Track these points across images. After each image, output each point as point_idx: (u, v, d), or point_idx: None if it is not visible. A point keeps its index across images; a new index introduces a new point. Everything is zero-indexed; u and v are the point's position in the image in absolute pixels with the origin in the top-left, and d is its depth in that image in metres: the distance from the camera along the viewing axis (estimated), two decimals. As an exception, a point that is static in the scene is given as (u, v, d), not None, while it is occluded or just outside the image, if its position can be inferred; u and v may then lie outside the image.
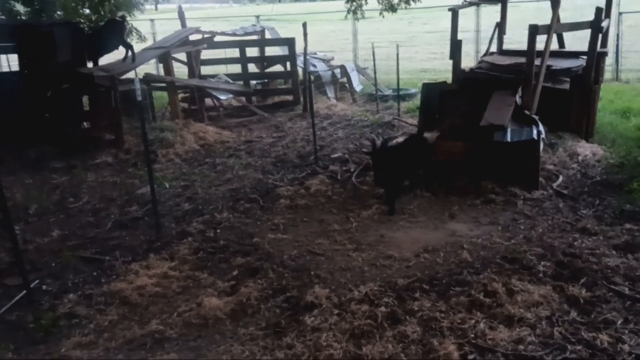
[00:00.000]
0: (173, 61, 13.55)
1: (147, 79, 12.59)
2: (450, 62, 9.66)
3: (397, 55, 13.37)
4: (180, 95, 13.65)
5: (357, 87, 16.31)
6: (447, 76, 9.82)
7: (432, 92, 8.99)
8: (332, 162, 9.60)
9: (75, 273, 5.89)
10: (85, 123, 11.71)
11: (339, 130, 11.87)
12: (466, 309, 4.66)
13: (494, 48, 11.26)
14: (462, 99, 8.72)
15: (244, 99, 15.32)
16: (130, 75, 12.28)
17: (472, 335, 4.27)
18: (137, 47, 14.54)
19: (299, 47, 14.81)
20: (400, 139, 9.14)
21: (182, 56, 14.20)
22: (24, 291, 5.31)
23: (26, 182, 9.18)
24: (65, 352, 4.44)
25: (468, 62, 13.50)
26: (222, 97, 14.18)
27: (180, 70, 15.18)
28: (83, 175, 9.49)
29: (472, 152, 8.09)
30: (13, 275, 5.74)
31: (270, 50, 17.23)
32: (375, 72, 14.97)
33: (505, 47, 11.27)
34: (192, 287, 5.45)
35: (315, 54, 17.17)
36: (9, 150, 9.54)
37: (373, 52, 14.46)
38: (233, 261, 5.89)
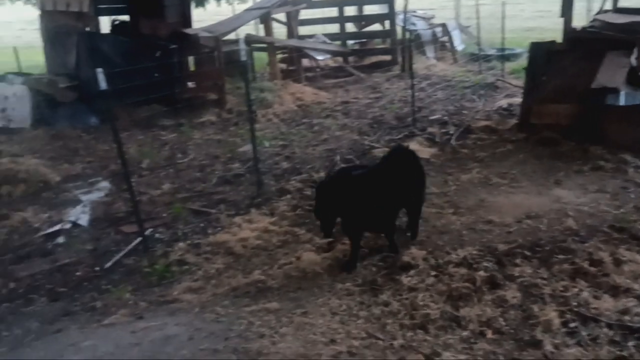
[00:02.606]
0: (272, 22, 13.74)
1: (248, 40, 12.87)
2: (560, 20, 9.10)
3: (503, 12, 12.75)
4: (279, 56, 13.87)
5: (459, 46, 15.81)
6: (554, 35, 9.27)
7: (540, 52, 8.56)
8: (430, 123, 9.44)
9: (185, 224, 6.29)
10: (190, 83, 12.22)
11: (438, 92, 11.62)
12: (569, 277, 4.50)
13: (608, 5, 10.45)
14: (572, 60, 8.26)
15: (341, 59, 15.32)
16: (232, 36, 12.62)
17: (575, 304, 4.13)
18: (239, 7, 14.89)
19: (398, 5, 14.50)
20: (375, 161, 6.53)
21: (282, 16, 14.34)
22: (140, 238, 5.77)
23: (139, 139, 9.82)
24: (178, 295, 4.80)
25: (579, 20, 12.66)
26: (320, 57, 14.26)
27: (278, 31, 15.37)
28: (189, 133, 9.99)
29: (581, 115, 7.69)
30: (130, 223, 6.22)
31: (369, 9, 16.99)
32: (478, 31, 14.39)
33: (621, 4, 10.42)
34: (291, 241, 5.64)
35: (416, 12, 16.76)
36: (123, 108, 10.17)
37: (477, 10, 13.89)
38: (330, 219, 6.00)
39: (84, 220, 6.56)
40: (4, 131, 10.52)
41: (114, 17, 12.96)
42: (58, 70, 11.56)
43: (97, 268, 5.47)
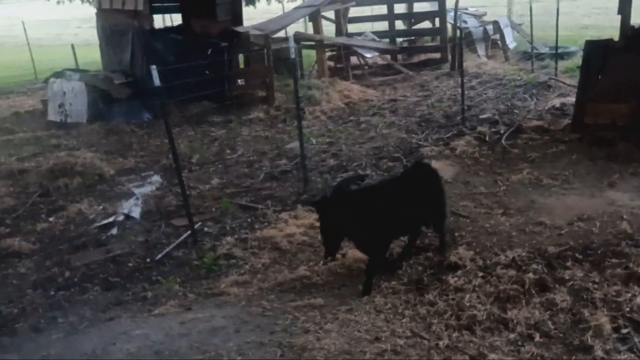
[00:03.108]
0: (321, 19, 13.78)
1: (297, 38, 12.95)
2: (617, 17, 8.79)
3: (557, 10, 12.41)
4: (327, 54, 13.90)
5: (511, 44, 15.50)
6: (611, 33, 8.96)
7: (596, 50, 8.31)
8: (480, 122, 9.29)
9: (233, 218, 6.40)
10: (239, 80, 12.39)
11: (488, 90, 11.41)
12: (622, 282, 4.35)
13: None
14: (630, 58, 8.00)
15: (389, 57, 15.23)
16: (281, 34, 12.74)
17: (628, 309, 4.00)
18: (289, 6, 15.00)
19: (449, 2, 14.32)
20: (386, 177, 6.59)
21: (331, 14, 14.37)
22: (189, 231, 5.90)
23: (189, 134, 10.04)
24: (225, 289, 4.88)
25: (638, 17, 12.23)
26: (368, 55, 14.22)
27: (327, 29, 15.41)
28: (238, 129, 10.15)
29: (638, 115, 7.43)
30: (180, 217, 6.38)
31: (419, 6, 16.84)
32: (531, 29, 14.06)
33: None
34: (337, 239, 5.65)
35: (467, 9, 16.51)
36: (175, 105, 10.42)
37: (530, 7, 13.56)
38: (376, 217, 5.98)
39: (136, 212, 6.77)
40: (61, 126, 10.96)
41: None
42: (113, 67, 11.93)
43: (148, 259, 5.62)
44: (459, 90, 9.77)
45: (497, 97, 10.92)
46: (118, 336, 4.25)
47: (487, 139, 8.40)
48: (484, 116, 9.70)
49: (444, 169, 6.79)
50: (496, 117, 9.56)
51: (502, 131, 8.69)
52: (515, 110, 9.99)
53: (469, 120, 9.42)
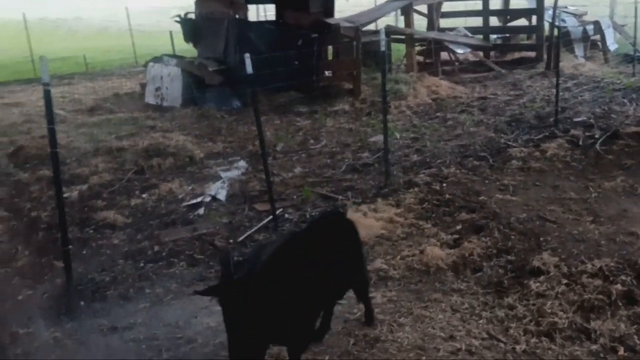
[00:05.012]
0: (414, 13, 13.63)
1: (388, 31, 12.88)
2: None
3: (666, 10, 11.66)
4: (417, 48, 13.74)
5: (612, 46, 14.69)
6: None
7: None
8: (574, 126, 8.89)
9: (313, 207, 6.50)
10: (327, 72, 12.51)
11: (585, 93, 10.89)
12: None
13: None
14: None
15: (481, 53, 14.86)
16: (371, 27, 12.72)
17: None
18: (381, -1, 14.95)
19: (548, 0, 13.76)
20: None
21: (424, 8, 14.18)
22: (271, 217, 6.07)
23: (275, 123, 10.28)
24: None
25: None
26: (460, 50, 13.94)
27: (419, 23, 15.22)
28: (323, 120, 10.27)
29: None
30: (263, 202, 6.57)
31: (515, 3, 16.30)
32: (635, 30, 13.27)
33: None
34: (415, 234, 5.63)
35: (566, 7, 15.81)
36: (263, 93, 10.68)
37: (635, 8, 12.80)
38: (457, 216, 5.90)
39: (222, 195, 7.02)
40: (157, 108, 11.55)
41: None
42: (208, 54, 12.38)
43: (231, 240, 5.83)
44: (553, 91, 9.37)
45: (593, 100, 10.40)
46: (199, 310, 4.48)
47: (580, 142, 8.03)
48: (579, 119, 9.27)
49: (366, 224, 5.75)
50: (591, 120, 9.11)
51: (596, 135, 8.27)
52: (613, 115, 9.49)
53: (562, 123, 9.03)
